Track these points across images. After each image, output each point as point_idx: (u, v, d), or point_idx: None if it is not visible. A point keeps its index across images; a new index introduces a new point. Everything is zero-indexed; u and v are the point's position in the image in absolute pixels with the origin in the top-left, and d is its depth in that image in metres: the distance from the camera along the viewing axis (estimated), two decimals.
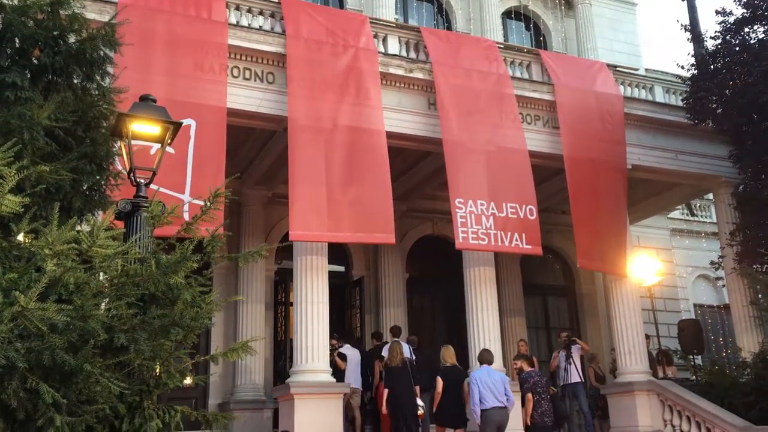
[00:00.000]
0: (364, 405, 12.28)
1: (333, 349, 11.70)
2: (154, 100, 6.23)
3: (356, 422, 11.89)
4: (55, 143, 5.13)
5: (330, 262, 11.38)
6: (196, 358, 5.35)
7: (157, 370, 4.70)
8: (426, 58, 12.31)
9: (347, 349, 12.09)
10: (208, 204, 5.52)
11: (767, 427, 11.09)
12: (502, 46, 13.79)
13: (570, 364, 12.74)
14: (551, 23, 19.34)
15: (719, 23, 13.95)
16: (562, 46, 18.92)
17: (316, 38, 11.32)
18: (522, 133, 12.45)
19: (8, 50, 5.37)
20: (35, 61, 5.46)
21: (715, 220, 16.18)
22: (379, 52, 11.87)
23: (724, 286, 15.43)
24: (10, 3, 5.41)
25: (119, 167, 6.13)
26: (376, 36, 12.12)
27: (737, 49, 13.68)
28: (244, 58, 11.09)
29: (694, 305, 19.12)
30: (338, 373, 11.32)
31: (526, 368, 11.08)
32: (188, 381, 5.62)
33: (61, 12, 5.56)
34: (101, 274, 4.48)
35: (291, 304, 11.93)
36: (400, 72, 11.98)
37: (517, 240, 11.75)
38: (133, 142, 5.91)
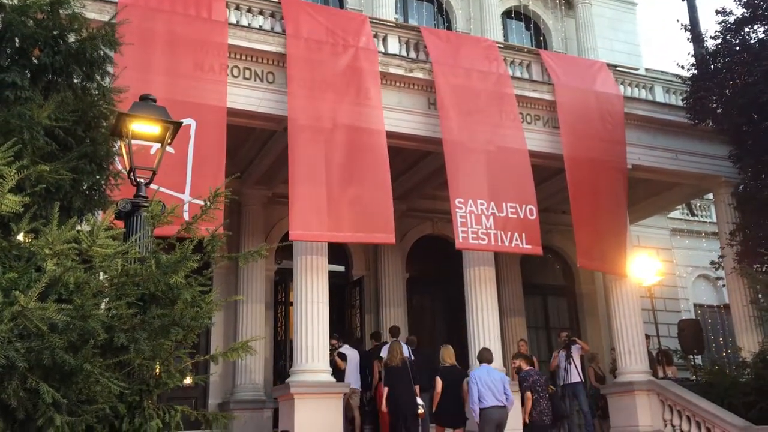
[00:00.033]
0: (364, 405, 12.28)
1: (333, 349, 11.70)
2: (154, 100, 6.23)
3: (355, 422, 11.89)
4: (55, 143, 5.13)
5: (330, 262, 11.39)
6: (196, 358, 5.35)
7: (157, 370, 4.70)
8: (426, 58, 12.31)
9: (346, 349, 12.09)
10: (208, 204, 5.51)
11: (767, 427, 11.09)
12: (502, 45, 13.79)
13: (570, 363, 12.74)
14: (551, 23, 19.34)
15: (719, 23, 13.95)
16: (562, 45, 18.92)
17: (316, 38, 11.32)
18: (522, 133, 12.45)
19: (8, 50, 5.37)
20: (35, 61, 5.46)
21: (715, 220, 16.18)
22: (379, 52, 11.87)
23: (724, 286, 15.43)
24: (10, 3, 5.41)
25: (119, 167, 6.13)
26: (376, 36, 12.12)
27: (737, 48, 13.68)
28: (244, 57, 11.09)
29: (694, 305, 19.12)
30: (338, 373, 11.32)
31: (525, 367, 11.08)
32: (188, 381, 5.63)
33: (61, 12, 5.56)
34: (101, 273, 4.48)
35: (291, 303, 11.93)
36: (400, 72, 11.98)
37: (517, 240, 11.75)
38: (133, 141, 5.91)
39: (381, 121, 11.33)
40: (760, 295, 13.66)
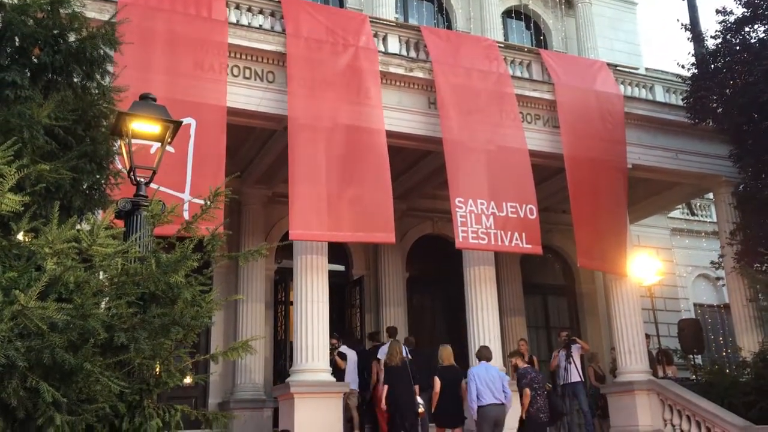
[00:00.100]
0: (363, 405, 12.25)
1: (333, 349, 11.69)
2: (154, 99, 6.23)
3: (354, 422, 11.88)
4: (55, 142, 5.13)
5: (330, 262, 11.39)
6: (196, 357, 5.34)
7: (157, 369, 4.69)
8: (426, 57, 12.30)
9: (344, 350, 12.08)
10: (208, 203, 5.51)
11: (767, 427, 11.09)
12: (502, 45, 13.79)
13: (570, 363, 12.73)
14: (551, 22, 19.34)
15: (720, 22, 13.94)
16: (562, 45, 18.92)
17: (316, 37, 11.31)
18: (522, 133, 12.45)
19: (8, 49, 5.36)
20: (35, 60, 5.45)
21: (715, 220, 16.18)
22: (380, 51, 11.86)
23: (724, 285, 15.43)
24: (10, 2, 5.40)
25: (119, 166, 6.12)
26: (376, 35, 12.12)
27: (738, 48, 13.67)
28: (244, 57, 11.08)
29: (694, 305, 19.12)
30: (338, 373, 11.31)
31: (521, 364, 11.07)
32: (188, 380, 5.61)
33: (61, 11, 5.56)
34: (101, 272, 4.47)
35: (291, 303, 11.93)
36: (401, 71, 11.97)
37: (517, 239, 11.75)
38: (133, 141, 5.90)
39: (381, 120, 11.32)
40: (760, 295, 13.67)
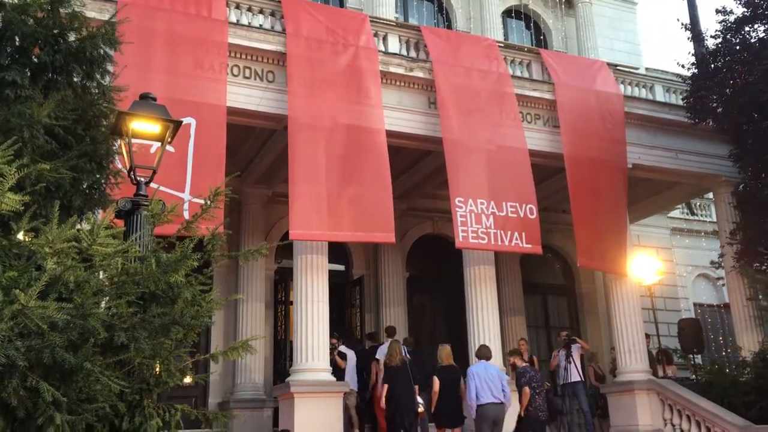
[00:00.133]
0: (362, 405, 12.25)
1: (333, 348, 11.69)
2: (154, 99, 6.23)
3: (353, 422, 11.88)
4: (55, 141, 5.13)
5: (330, 261, 11.39)
6: (196, 357, 5.34)
7: (157, 369, 4.69)
8: (426, 57, 12.30)
9: (344, 349, 12.07)
10: (208, 202, 5.51)
11: (767, 426, 11.09)
12: (502, 44, 13.79)
13: (570, 363, 12.73)
14: (551, 22, 19.33)
15: (720, 22, 13.94)
16: (562, 45, 18.92)
17: (317, 37, 11.31)
18: (522, 132, 12.45)
19: (8, 48, 5.37)
20: (35, 60, 5.45)
21: (715, 219, 16.17)
22: (380, 51, 11.86)
23: (724, 285, 15.43)
24: (11, 1, 5.40)
25: (119, 166, 6.12)
26: (376, 35, 12.12)
27: (738, 48, 13.67)
28: (244, 56, 11.08)
29: (694, 304, 19.12)
30: (338, 372, 11.31)
31: (519, 363, 11.07)
32: (188, 380, 5.61)
33: (61, 10, 5.56)
34: (101, 272, 4.47)
35: (291, 303, 11.93)
36: (401, 71, 11.97)
37: (517, 239, 11.75)
38: (133, 140, 5.90)
39: (381, 120, 11.32)
40: (760, 294, 13.67)
